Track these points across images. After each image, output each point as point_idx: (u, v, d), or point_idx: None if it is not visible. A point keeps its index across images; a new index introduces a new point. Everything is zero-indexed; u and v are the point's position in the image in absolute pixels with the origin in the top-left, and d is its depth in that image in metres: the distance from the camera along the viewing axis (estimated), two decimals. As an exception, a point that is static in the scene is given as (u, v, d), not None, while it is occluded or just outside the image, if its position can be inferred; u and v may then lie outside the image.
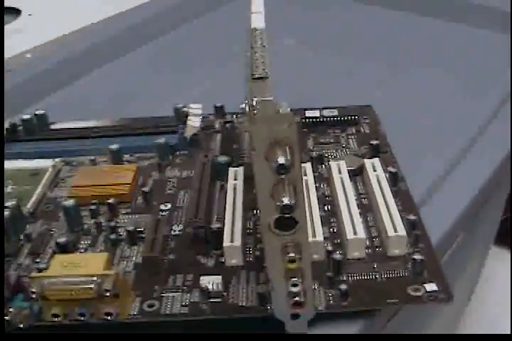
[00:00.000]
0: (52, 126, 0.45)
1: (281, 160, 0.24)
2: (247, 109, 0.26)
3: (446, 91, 0.49)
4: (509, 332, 0.43)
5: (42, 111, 0.45)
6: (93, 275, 0.29)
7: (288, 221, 0.26)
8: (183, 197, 0.37)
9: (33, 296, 0.29)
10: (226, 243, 0.32)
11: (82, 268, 0.30)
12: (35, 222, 0.37)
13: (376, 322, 0.32)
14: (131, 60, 0.57)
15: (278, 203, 0.25)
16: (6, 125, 0.45)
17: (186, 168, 0.40)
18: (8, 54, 0.55)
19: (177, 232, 0.35)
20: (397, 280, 0.31)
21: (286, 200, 0.25)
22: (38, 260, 0.34)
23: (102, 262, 0.30)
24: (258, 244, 0.33)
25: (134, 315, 0.30)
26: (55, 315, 0.30)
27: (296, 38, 0.58)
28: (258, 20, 0.34)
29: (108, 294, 0.29)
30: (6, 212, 0.35)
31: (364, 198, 0.36)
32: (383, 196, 0.35)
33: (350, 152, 0.41)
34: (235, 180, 0.37)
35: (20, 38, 0.60)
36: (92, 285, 0.29)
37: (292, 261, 0.27)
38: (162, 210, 0.36)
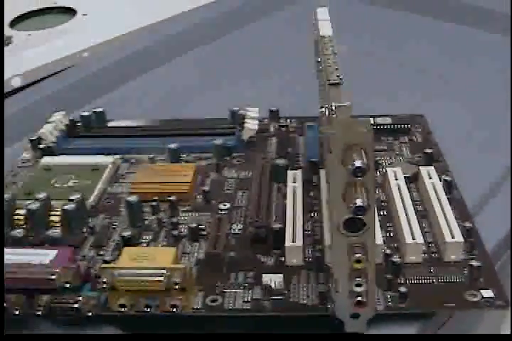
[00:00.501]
0: (110, 124, 0.46)
1: (358, 163, 0.25)
2: (327, 113, 0.27)
3: (499, 101, 0.50)
4: (509, 332, 0.43)
5: (100, 109, 0.46)
6: (163, 268, 0.30)
7: (357, 223, 0.27)
8: (241, 198, 0.38)
9: (104, 286, 0.30)
10: (288, 243, 0.33)
11: (151, 261, 0.31)
12: (97, 215, 0.38)
13: (431, 326, 0.32)
14: (188, 61, 0.58)
15: (351, 205, 0.26)
16: (66, 121, 0.46)
17: (243, 169, 0.41)
18: (65, 53, 0.57)
19: (237, 231, 0.36)
20: (454, 285, 0.32)
21: (359, 202, 0.26)
22: (101, 252, 0.35)
23: (171, 256, 0.31)
24: (317, 245, 0.34)
25: (198, 308, 0.31)
26: (122, 306, 0.31)
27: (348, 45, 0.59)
28: (326, 28, 0.35)
29: (176, 287, 0.30)
30: (72, 205, 0.36)
31: (418, 205, 0.37)
32: (439, 203, 0.35)
33: (403, 160, 0.41)
34: (294, 182, 0.37)
35: (75, 38, 0.61)
36: (161, 278, 0.30)
37: (359, 261, 0.28)
38: (221, 209, 0.37)
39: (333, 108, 0.27)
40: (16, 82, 0.53)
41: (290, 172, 0.38)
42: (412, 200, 0.37)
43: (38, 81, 0.54)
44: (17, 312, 0.31)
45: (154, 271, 0.30)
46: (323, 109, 0.27)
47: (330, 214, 0.29)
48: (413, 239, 0.33)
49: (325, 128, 0.26)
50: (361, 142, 0.26)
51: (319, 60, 0.32)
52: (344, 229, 0.27)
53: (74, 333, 0.32)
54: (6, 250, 0.32)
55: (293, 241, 0.33)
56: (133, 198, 0.36)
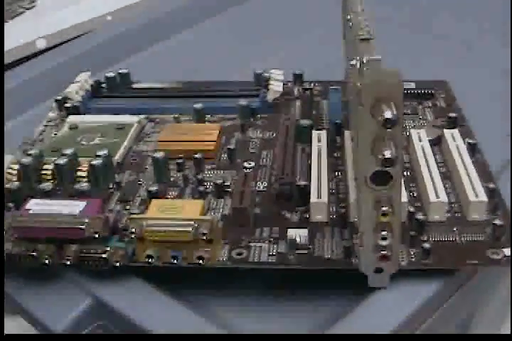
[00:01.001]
0: (135, 85, 0.47)
1: (388, 114, 0.26)
2: (358, 65, 0.27)
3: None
4: (509, 332, 0.44)
5: (125, 70, 0.47)
6: (191, 220, 0.30)
7: (384, 176, 0.28)
8: (266, 157, 0.39)
9: (132, 236, 0.31)
10: (313, 199, 0.33)
11: (179, 212, 0.31)
12: (123, 172, 0.38)
13: (453, 284, 0.33)
14: (213, 25, 0.58)
15: (380, 156, 0.26)
16: (91, 81, 0.46)
17: (268, 130, 0.41)
18: (88, 16, 0.57)
19: (261, 188, 0.36)
20: (477, 243, 0.32)
21: (387, 154, 0.26)
22: (127, 207, 0.35)
23: (198, 208, 0.32)
24: (342, 203, 0.35)
25: (224, 261, 0.32)
26: (149, 257, 0.31)
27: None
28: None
29: (204, 238, 0.30)
30: (99, 160, 0.36)
31: (442, 167, 0.37)
32: (463, 164, 0.36)
33: (427, 123, 0.41)
34: (319, 142, 0.38)
35: (97, 2, 0.61)
36: (189, 229, 0.30)
37: (385, 214, 0.28)
38: (246, 168, 0.38)
39: (364, 61, 0.27)
40: (41, 44, 0.54)
41: (315, 132, 0.39)
42: (436, 162, 0.37)
43: (62, 43, 0.55)
44: (46, 262, 0.32)
45: (182, 221, 0.30)
46: (354, 62, 0.27)
47: (357, 168, 0.29)
48: (437, 197, 0.33)
49: (356, 80, 0.26)
50: (391, 94, 0.26)
51: (348, 17, 0.33)
52: (371, 182, 0.28)
53: (75, 333, 0.32)
54: (36, 200, 0.33)
55: (318, 198, 0.33)
56: (159, 154, 0.37)
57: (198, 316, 0.31)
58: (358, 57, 0.27)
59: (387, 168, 0.27)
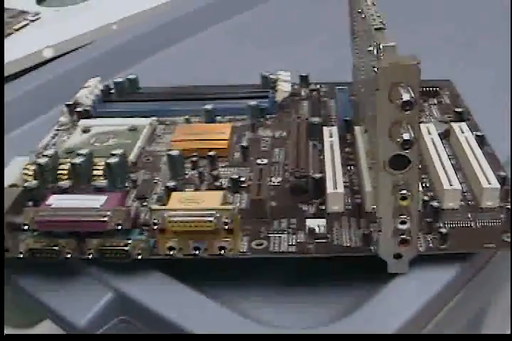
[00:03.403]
0: (143, 90, 0.47)
1: (406, 96, 0.26)
2: (375, 51, 0.28)
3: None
4: (509, 332, 0.44)
5: (134, 76, 0.47)
6: (213, 209, 0.31)
7: (402, 160, 0.28)
8: (279, 154, 0.39)
9: (154, 228, 0.31)
10: (330, 190, 0.34)
11: (200, 203, 0.32)
12: (138, 171, 0.39)
13: (470, 268, 0.33)
14: (218, 31, 0.59)
15: (398, 139, 0.27)
16: (101, 87, 0.47)
17: (278, 129, 0.42)
18: (94, 26, 0.58)
19: (276, 183, 0.37)
20: (492, 228, 0.33)
21: (406, 136, 0.27)
22: (145, 203, 0.36)
23: (219, 198, 0.32)
24: (356, 194, 0.35)
25: (244, 251, 0.32)
26: (171, 248, 0.32)
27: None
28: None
29: (226, 227, 0.31)
30: (115, 159, 0.37)
31: (452, 159, 0.38)
32: (474, 154, 0.36)
33: (434, 119, 0.42)
34: (331, 137, 0.38)
35: (104, 11, 0.62)
36: (212, 218, 0.31)
37: (404, 198, 0.29)
38: (259, 164, 0.38)
39: (380, 48, 0.28)
40: (48, 53, 0.54)
41: (326, 129, 0.39)
42: (446, 154, 0.38)
43: (69, 52, 0.55)
44: (68, 256, 0.32)
45: (205, 211, 0.31)
46: (371, 48, 0.28)
47: (373, 156, 0.30)
48: (451, 185, 0.34)
49: (373, 66, 0.27)
50: (408, 77, 0.26)
51: (360, 10, 0.33)
52: (390, 166, 0.28)
53: (79, 333, 0.32)
54: (56, 196, 0.33)
55: (335, 188, 0.34)
56: (175, 152, 0.37)
57: (223, 307, 0.31)
58: (375, 43, 0.27)
59: (406, 151, 0.27)
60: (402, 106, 0.27)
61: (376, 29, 0.29)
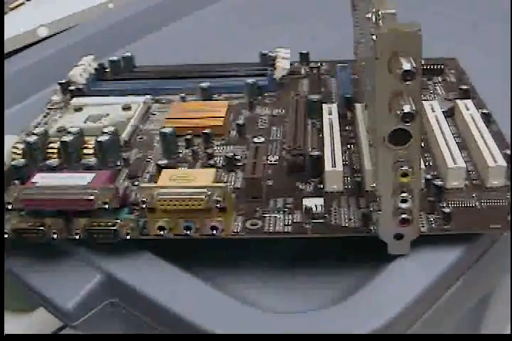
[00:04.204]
0: (138, 69, 0.46)
1: (407, 66, 0.25)
2: (374, 18, 0.26)
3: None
4: (509, 332, 0.43)
5: (129, 54, 0.46)
6: (204, 187, 0.29)
7: (402, 135, 0.27)
8: (276, 132, 0.38)
9: (143, 206, 0.30)
10: (328, 168, 0.32)
11: (191, 180, 0.30)
12: (130, 150, 0.37)
13: (475, 250, 0.32)
14: (216, 9, 0.58)
15: (399, 112, 0.26)
16: (95, 65, 0.45)
17: (276, 107, 0.41)
18: (89, 4, 0.56)
19: (273, 162, 0.35)
20: (498, 208, 0.31)
21: (407, 108, 0.25)
22: (136, 183, 0.34)
23: (211, 176, 0.31)
24: (356, 173, 0.34)
25: (237, 232, 0.31)
26: (161, 228, 0.30)
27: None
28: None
29: (218, 205, 0.29)
30: (106, 137, 0.36)
31: (457, 137, 0.36)
32: (479, 131, 0.35)
33: (438, 97, 0.41)
34: (330, 115, 0.37)
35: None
36: (203, 196, 0.29)
37: (405, 174, 0.27)
38: (256, 143, 0.37)
39: (379, 14, 0.26)
40: (43, 32, 0.53)
41: (325, 106, 0.38)
42: (451, 132, 0.36)
43: (64, 31, 0.54)
44: (54, 236, 0.31)
45: (195, 189, 0.29)
46: (370, 15, 0.27)
47: (373, 132, 0.28)
48: (455, 163, 0.32)
49: (372, 33, 0.25)
50: (409, 45, 0.25)
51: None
52: (390, 142, 0.27)
53: (77, 333, 0.32)
54: (42, 174, 0.32)
55: (333, 166, 0.32)
56: (168, 130, 0.36)
57: (215, 290, 0.30)
58: (373, 10, 0.26)
59: (407, 124, 0.26)
60: (402, 76, 0.25)
61: (376, -4, 0.28)
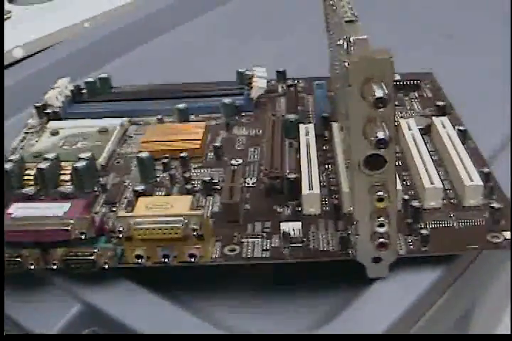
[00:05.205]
0: (115, 89, 0.46)
1: (379, 93, 0.25)
2: (345, 46, 0.26)
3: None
4: (509, 332, 0.43)
5: (105, 75, 0.46)
6: (181, 215, 0.29)
7: (377, 160, 0.27)
8: (253, 153, 0.38)
9: (119, 236, 0.30)
10: (305, 191, 0.32)
11: (167, 209, 0.30)
12: (107, 175, 0.37)
13: (453, 270, 0.32)
14: (190, 28, 0.57)
15: (372, 138, 0.26)
16: (71, 87, 0.45)
17: (254, 127, 0.40)
18: (65, 24, 0.56)
19: (251, 184, 0.35)
20: (475, 228, 0.31)
21: (381, 135, 0.25)
22: (114, 209, 0.34)
23: (187, 204, 0.31)
24: (334, 194, 0.34)
25: (216, 258, 0.31)
26: (139, 257, 0.30)
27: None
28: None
29: (195, 234, 0.29)
30: (82, 163, 0.35)
31: (433, 155, 0.36)
32: (456, 150, 0.35)
33: (415, 114, 0.41)
34: (307, 135, 0.37)
35: (75, 9, 0.60)
36: (179, 225, 0.29)
37: (381, 199, 0.27)
38: (233, 165, 0.37)
39: (351, 41, 0.26)
40: (18, 53, 0.53)
41: (302, 126, 0.38)
42: (428, 150, 0.36)
43: (40, 52, 0.54)
44: (32, 267, 0.31)
45: (172, 218, 0.29)
46: (341, 42, 0.27)
47: (349, 155, 0.28)
48: (432, 183, 0.32)
49: (344, 60, 0.25)
50: (381, 72, 0.25)
51: (331, 2, 0.32)
52: (365, 167, 0.27)
53: (76, 333, 0.31)
54: (18, 204, 0.32)
55: (310, 189, 0.32)
56: (144, 154, 0.36)
57: (193, 316, 0.30)
58: (345, 37, 0.26)
59: (381, 150, 0.26)
60: (375, 104, 0.25)
61: (347, 21, 0.28)
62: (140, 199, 0.31)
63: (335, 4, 0.30)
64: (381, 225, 0.28)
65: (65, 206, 0.31)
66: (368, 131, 0.26)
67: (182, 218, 0.29)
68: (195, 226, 0.29)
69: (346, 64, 0.25)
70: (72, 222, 0.30)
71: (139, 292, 0.31)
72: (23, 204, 0.32)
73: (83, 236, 0.30)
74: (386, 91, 0.25)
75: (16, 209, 0.31)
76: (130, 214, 0.30)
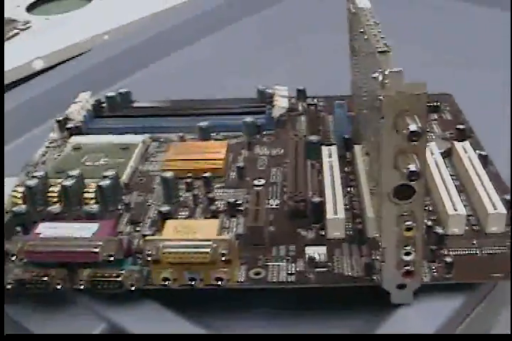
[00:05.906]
0: (136, 104, 0.46)
1: (413, 127, 0.25)
2: (380, 78, 0.26)
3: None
4: (509, 332, 0.43)
5: (125, 90, 0.46)
6: (209, 240, 0.30)
7: (407, 190, 0.27)
8: (276, 174, 0.38)
9: (147, 259, 0.30)
10: (329, 215, 0.33)
11: (196, 233, 0.30)
12: (131, 193, 0.37)
13: (475, 297, 0.32)
14: (211, 43, 0.58)
15: (404, 170, 0.26)
16: (92, 101, 0.46)
17: (275, 147, 0.41)
18: (85, 36, 0.56)
19: (274, 206, 0.35)
20: (498, 256, 0.32)
21: (413, 167, 0.26)
22: (138, 228, 0.34)
23: (215, 228, 0.31)
24: (357, 218, 0.34)
25: (242, 282, 0.31)
26: (166, 279, 0.30)
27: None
28: (363, 1, 0.35)
29: (223, 258, 0.29)
30: (107, 181, 0.36)
31: (455, 180, 0.37)
32: (478, 176, 0.35)
33: (435, 136, 0.41)
34: (330, 157, 0.37)
35: (95, 21, 0.61)
36: (208, 250, 0.29)
37: (409, 229, 0.28)
38: (256, 185, 0.37)
39: (385, 74, 0.26)
40: (38, 65, 0.53)
41: (325, 148, 0.38)
42: (450, 175, 0.37)
43: (60, 63, 0.54)
44: (58, 287, 0.31)
45: (200, 242, 0.30)
46: (377, 74, 0.27)
47: (376, 183, 0.29)
48: (455, 210, 0.33)
49: (378, 94, 0.26)
50: (415, 106, 0.25)
51: (361, 30, 0.32)
52: (394, 197, 0.27)
53: (79, 333, 0.31)
54: (45, 224, 0.32)
55: (335, 214, 0.33)
56: (168, 174, 0.36)
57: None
58: (380, 69, 0.26)
59: (412, 182, 0.26)
60: (409, 137, 0.25)
61: (380, 52, 0.28)
62: (168, 222, 0.32)
63: (366, 32, 0.31)
64: (408, 253, 0.28)
65: (93, 227, 0.31)
66: (399, 162, 0.26)
67: (211, 243, 0.30)
68: (223, 251, 0.29)
69: (381, 97, 0.25)
70: (101, 243, 0.30)
71: (164, 314, 0.31)
72: (50, 224, 0.32)
73: (111, 258, 0.30)
74: (420, 125, 0.25)
75: (44, 229, 0.32)
76: (159, 237, 0.31)
